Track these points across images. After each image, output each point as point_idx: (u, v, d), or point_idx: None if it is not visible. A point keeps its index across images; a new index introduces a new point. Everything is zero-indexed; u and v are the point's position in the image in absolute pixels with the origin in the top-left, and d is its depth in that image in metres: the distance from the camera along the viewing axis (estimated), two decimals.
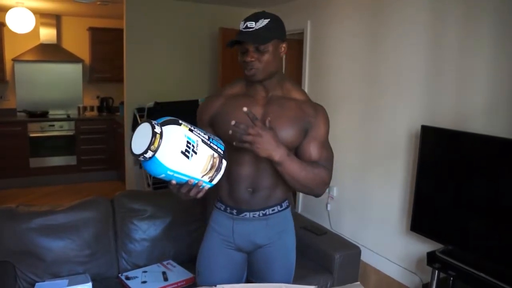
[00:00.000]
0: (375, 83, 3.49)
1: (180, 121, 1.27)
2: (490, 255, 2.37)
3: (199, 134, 1.29)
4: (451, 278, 2.54)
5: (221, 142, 1.38)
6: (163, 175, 1.24)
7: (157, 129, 1.20)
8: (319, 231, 2.85)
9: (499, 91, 2.53)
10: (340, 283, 2.57)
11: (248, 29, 1.46)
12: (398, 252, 3.28)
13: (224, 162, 1.35)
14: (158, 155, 1.19)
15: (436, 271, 2.59)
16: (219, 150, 1.34)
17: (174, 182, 1.28)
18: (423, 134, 2.76)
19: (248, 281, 1.82)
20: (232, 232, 1.70)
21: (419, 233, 2.87)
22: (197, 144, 1.26)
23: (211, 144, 1.31)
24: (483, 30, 2.60)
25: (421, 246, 2.99)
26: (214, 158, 1.30)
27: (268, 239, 1.71)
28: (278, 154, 1.43)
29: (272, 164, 1.50)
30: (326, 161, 1.68)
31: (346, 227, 3.85)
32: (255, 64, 1.49)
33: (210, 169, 1.30)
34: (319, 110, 1.69)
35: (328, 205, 4.06)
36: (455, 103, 2.80)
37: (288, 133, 1.56)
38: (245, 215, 1.67)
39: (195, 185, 1.31)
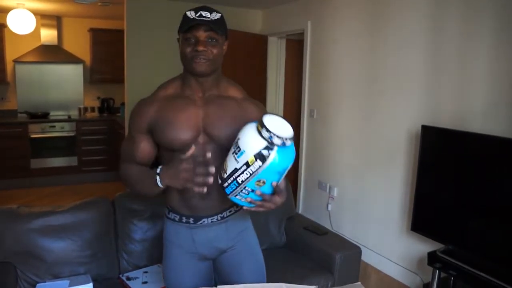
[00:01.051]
0: (375, 83, 3.49)
1: (260, 161, 1.30)
2: (491, 254, 2.37)
3: (244, 172, 1.33)
4: (452, 278, 2.54)
5: (240, 200, 1.39)
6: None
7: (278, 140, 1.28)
8: (320, 231, 2.85)
9: (499, 91, 2.53)
10: (341, 283, 2.57)
11: (203, 18, 1.40)
12: (399, 252, 3.28)
13: (210, 180, 1.38)
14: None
15: (437, 271, 2.59)
16: (226, 183, 1.37)
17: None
18: (423, 134, 2.76)
19: None
20: (192, 241, 1.61)
21: (419, 233, 2.87)
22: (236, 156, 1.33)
23: (232, 177, 1.36)
24: (482, 30, 2.60)
25: (422, 246, 2.99)
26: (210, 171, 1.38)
27: (231, 242, 1.66)
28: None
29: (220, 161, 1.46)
30: None
31: (347, 227, 3.85)
32: (207, 54, 1.42)
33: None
34: (260, 106, 1.63)
35: (329, 205, 4.06)
36: (455, 103, 2.80)
37: (231, 133, 1.45)
38: (204, 221, 1.59)
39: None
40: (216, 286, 1.64)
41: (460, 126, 2.67)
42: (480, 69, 2.63)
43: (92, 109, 6.57)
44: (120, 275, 2.39)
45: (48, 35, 6.08)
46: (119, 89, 5.94)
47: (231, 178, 1.31)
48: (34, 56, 5.97)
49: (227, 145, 1.43)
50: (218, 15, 1.45)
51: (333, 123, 4.06)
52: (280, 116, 1.35)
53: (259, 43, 5.02)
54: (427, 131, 2.74)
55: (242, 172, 1.29)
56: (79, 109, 6.38)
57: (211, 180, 1.33)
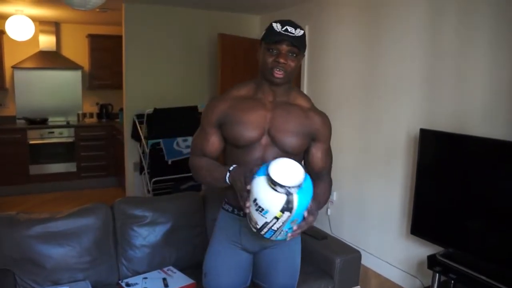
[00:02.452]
0: (374, 86, 3.50)
1: (288, 212, 1.35)
2: (491, 257, 2.37)
3: (275, 225, 1.38)
4: (452, 281, 2.54)
5: (279, 237, 1.45)
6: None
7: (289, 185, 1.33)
8: (320, 236, 2.85)
9: (497, 93, 2.54)
10: (341, 287, 2.57)
11: (288, 33, 1.51)
12: (399, 256, 3.28)
13: (253, 229, 1.44)
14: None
15: (437, 275, 2.59)
16: (263, 230, 1.41)
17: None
18: (422, 137, 2.76)
19: (252, 282, 1.85)
20: (239, 233, 1.73)
21: (419, 237, 2.87)
22: (262, 214, 1.37)
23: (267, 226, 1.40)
24: (481, 33, 2.61)
25: (422, 250, 2.99)
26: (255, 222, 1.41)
27: (274, 241, 1.70)
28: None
29: None
30: (330, 167, 1.81)
31: (346, 231, 3.84)
32: (286, 67, 1.54)
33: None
34: (324, 118, 1.75)
35: (328, 210, 4.05)
36: (454, 106, 2.80)
37: (294, 139, 1.63)
38: None
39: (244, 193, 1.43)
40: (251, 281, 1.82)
41: (459, 129, 2.67)
42: (478, 72, 2.64)
43: (91, 115, 6.56)
44: (120, 281, 2.38)
45: (47, 41, 6.09)
46: (117, 95, 5.94)
47: (266, 228, 1.38)
48: (33, 62, 5.97)
49: (288, 149, 1.60)
50: (301, 32, 1.56)
51: (331, 126, 4.05)
52: (284, 158, 1.41)
53: (258, 47, 5.02)
54: (425, 134, 2.75)
55: (274, 224, 1.35)
56: (78, 115, 6.37)
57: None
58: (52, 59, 6.10)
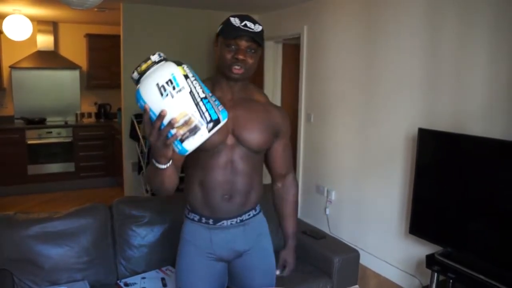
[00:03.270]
0: (372, 86, 3.50)
1: (184, 65, 1.23)
2: (489, 257, 2.37)
3: (194, 86, 1.18)
4: (451, 281, 2.54)
5: (221, 111, 1.21)
6: (140, 103, 1.19)
7: (155, 57, 1.23)
8: (318, 235, 2.85)
9: (495, 93, 2.54)
10: (340, 286, 2.57)
11: (247, 28, 1.46)
12: (397, 255, 3.28)
13: (205, 130, 1.17)
14: (141, 80, 1.22)
15: (436, 274, 2.59)
16: (205, 114, 1.17)
17: (147, 116, 1.17)
18: (420, 137, 2.76)
19: None
20: (210, 242, 1.64)
21: (418, 236, 2.87)
22: (180, 90, 1.16)
23: (200, 104, 1.16)
24: (479, 32, 2.61)
25: (420, 249, 2.99)
26: (190, 116, 1.15)
27: (248, 245, 1.69)
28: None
29: (248, 168, 1.57)
30: (291, 162, 1.80)
31: (345, 231, 3.84)
32: (245, 63, 1.49)
33: (182, 125, 1.16)
34: (283, 112, 1.73)
35: (327, 209, 4.06)
36: (452, 106, 2.81)
37: (260, 136, 1.58)
38: (223, 223, 1.63)
39: (161, 129, 1.15)
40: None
41: (457, 128, 2.68)
42: (477, 72, 2.64)
43: (89, 115, 6.55)
44: (118, 281, 2.37)
45: (45, 41, 6.08)
46: (116, 95, 5.94)
47: (201, 105, 1.17)
48: (31, 62, 5.96)
49: (254, 147, 1.54)
50: (260, 28, 1.51)
51: (330, 127, 4.06)
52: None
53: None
54: (424, 134, 2.75)
55: (194, 86, 1.19)
56: (76, 115, 6.37)
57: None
58: (50, 59, 6.09)
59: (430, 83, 2.96)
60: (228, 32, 1.47)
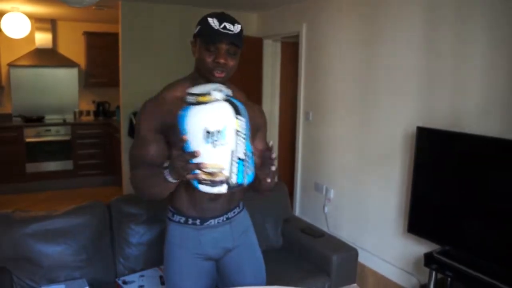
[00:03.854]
0: (370, 85, 3.50)
1: (241, 117, 1.21)
2: (487, 255, 2.38)
3: (238, 144, 1.20)
4: (449, 279, 2.55)
5: (248, 175, 1.25)
6: (181, 127, 1.22)
7: (219, 96, 1.20)
8: (317, 234, 2.85)
9: (493, 91, 2.54)
10: (338, 285, 2.58)
11: (227, 31, 1.43)
12: (396, 254, 3.29)
13: (224, 188, 1.23)
14: (193, 109, 1.20)
15: (434, 272, 2.59)
16: (233, 176, 1.21)
17: (181, 144, 1.22)
18: (419, 136, 2.77)
19: None
20: (199, 242, 1.64)
21: (416, 234, 2.87)
22: (223, 144, 1.18)
23: (234, 164, 1.20)
24: (477, 31, 2.61)
25: (418, 247, 3.00)
26: (220, 170, 1.19)
27: (235, 241, 1.71)
28: None
29: None
30: None
31: (344, 229, 3.85)
32: (226, 66, 1.47)
33: (209, 173, 1.20)
34: (260, 108, 1.78)
35: (325, 208, 4.06)
36: (450, 104, 2.81)
37: None
38: (210, 222, 1.63)
39: (188, 162, 1.21)
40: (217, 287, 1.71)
41: (455, 127, 2.68)
42: (474, 70, 2.64)
43: (88, 113, 6.55)
44: (117, 279, 2.38)
45: (43, 38, 6.06)
46: (114, 93, 5.93)
47: (234, 164, 1.21)
48: (29, 60, 5.95)
49: None
50: (239, 27, 1.47)
51: (329, 125, 4.07)
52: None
53: (255, 46, 5.03)
54: (422, 132, 2.75)
55: (238, 145, 1.21)
56: (75, 113, 6.35)
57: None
58: (48, 57, 6.08)
59: (428, 81, 2.96)
60: (207, 36, 1.44)
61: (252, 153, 1.29)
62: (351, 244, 2.95)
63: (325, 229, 3.66)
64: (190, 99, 1.21)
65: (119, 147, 5.24)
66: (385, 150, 3.37)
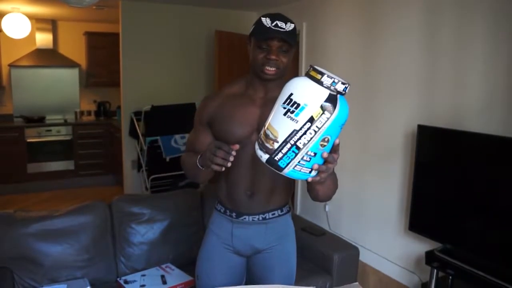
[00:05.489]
0: (371, 83, 3.50)
1: (328, 113, 1.12)
2: (489, 253, 2.38)
3: (306, 132, 1.11)
4: (450, 277, 2.55)
5: (293, 170, 1.16)
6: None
7: (329, 82, 1.13)
8: (318, 232, 2.85)
9: (494, 89, 2.54)
10: (339, 283, 2.58)
11: (279, 28, 1.45)
12: (397, 252, 3.29)
13: (264, 158, 1.18)
14: (302, 77, 1.16)
15: (435, 270, 2.59)
16: (278, 155, 1.14)
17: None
18: (420, 134, 2.76)
19: None
20: (231, 235, 1.69)
21: (417, 233, 2.87)
22: (297, 121, 1.11)
23: (288, 145, 1.12)
24: (477, 28, 2.61)
25: (420, 246, 3.00)
26: (276, 139, 1.14)
27: (267, 244, 1.69)
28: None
29: None
30: None
31: (345, 227, 3.85)
32: (278, 63, 1.49)
33: (267, 136, 1.17)
34: None
35: (326, 206, 4.06)
36: (451, 102, 2.81)
37: None
38: (244, 218, 1.66)
39: (217, 153, 1.34)
40: (244, 285, 1.74)
41: (456, 125, 2.67)
42: (475, 68, 2.64)
43: (89, 113, 6.56)
44: (118, 279, 2.38)
45: (44, 39, 6.06)
46: (115, 93, 5.94)
47: (288, 145, 1.12)
48: (30, 60, 5.95)
49: None
50: (292, 26, 1.49)
51: None
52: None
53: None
54: (423, 130, 2.75)
55: (305, 133, 1.10)
56: (75, 113, 6.36)
57: (231, 158, 1.34)
58: (49, 57, 6.08)
59: (429, 79, 2.96)
60: (259, 33, 1.48)
61: (317, 159, 1.17)
62: (352, 243, 2.95)
63: (326, 227, 3.66)
64: (309, 71, 1.16)
65: (120, 147, 5.25)
66: (386, 148, 3.37)
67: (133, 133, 4.93)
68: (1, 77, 5.86)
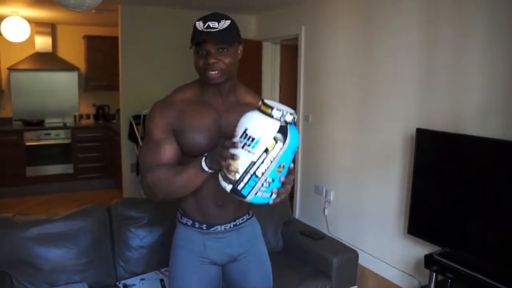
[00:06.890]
0: (370, 87, 3.51)
1: (281, 143, 1.24)
2: (488, 256, 2.38)
3: (263, 162, 1.23)
4: (449, 280, 2.55)
5: (255, 197, 1.27)
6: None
7: (288, 118, 1.25)
8: (317, 236, 2.85)
9: (492, 93, 2.55)
10: (338, 287, 2.58)
11: (211, 29, 1.38)
12: (396, 255, 3.28)
13: (228, 188, 1.27)
14: (254, 112, 1.28)
15: (434, 274, 2.59)
16: (240, 184, 1.24)
17: (235, 135, 1.26)
18: (418, 137, 2.77)
19: None
20: (204, 246, 1.62)
21: (416, 236, 2.88)
22: (252, 153, 1.22)
23: (248, 175, 1.23)
24: (476, 32, 2.62)
25: (419, 249, 3.00)
26: (236, 170, 1.24)
27: (242, 248, 1.68)
28: None
29: None
30: None
31: (344, 231, 3.85)
32: (219, 66, 1.42)
33: (227, 166, 1.26)
34: None
35: (325, 210, 4.06)
36: (450, 106, 2.81)
37: None
38: (216, 228, 1.61)
39: (227, 151, 1.26)
40: None
41: (455, 128, 2.68)
42: (474, 72, 2.65)
43: (88, 116, 6.56)
44: (117, 283, 2.37)
45: (43, 42, 6.07)
46: (114, 96, 5.94)
47: (248, 175, 1.23)
48: (29, 64, 5.95)
49: None
50: (227, 23, 1.42)
51: (328, 127, 4.07)
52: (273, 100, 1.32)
53: (254, 48, 5.04)
54: (422, 134, 2.76)
55: (262, 162, 1.22)
56: (75, 116, 6.35)
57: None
58: (48, 61, 6.09)
59: (428, 83, 2.96)
60: (193, 39, 1.41)
61: (276, 183, 1.27)
62: (351, 246, 2.95)
63: (325, 231, 3.66)
64: (260, 106, 1.27)
65: (119, 151, 5.25)
66: (385, 152, 3.37)
67: (132, 136, 4.93)
68: (0, 81, 5.86)
